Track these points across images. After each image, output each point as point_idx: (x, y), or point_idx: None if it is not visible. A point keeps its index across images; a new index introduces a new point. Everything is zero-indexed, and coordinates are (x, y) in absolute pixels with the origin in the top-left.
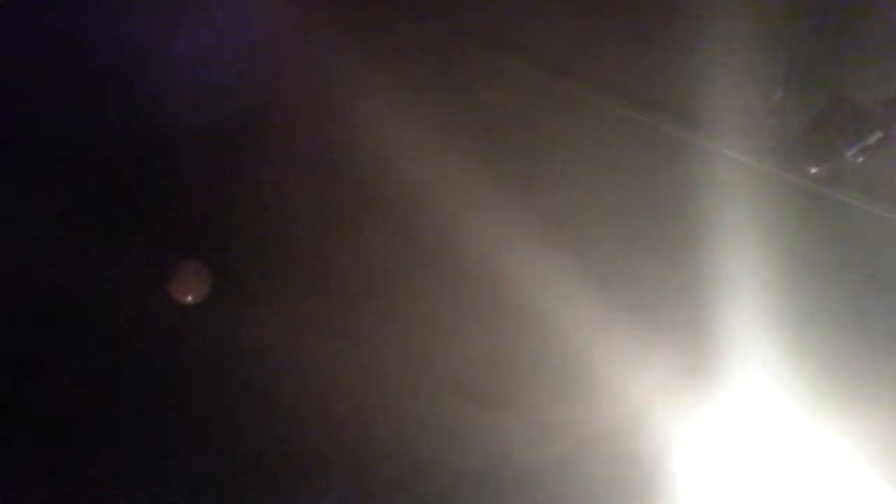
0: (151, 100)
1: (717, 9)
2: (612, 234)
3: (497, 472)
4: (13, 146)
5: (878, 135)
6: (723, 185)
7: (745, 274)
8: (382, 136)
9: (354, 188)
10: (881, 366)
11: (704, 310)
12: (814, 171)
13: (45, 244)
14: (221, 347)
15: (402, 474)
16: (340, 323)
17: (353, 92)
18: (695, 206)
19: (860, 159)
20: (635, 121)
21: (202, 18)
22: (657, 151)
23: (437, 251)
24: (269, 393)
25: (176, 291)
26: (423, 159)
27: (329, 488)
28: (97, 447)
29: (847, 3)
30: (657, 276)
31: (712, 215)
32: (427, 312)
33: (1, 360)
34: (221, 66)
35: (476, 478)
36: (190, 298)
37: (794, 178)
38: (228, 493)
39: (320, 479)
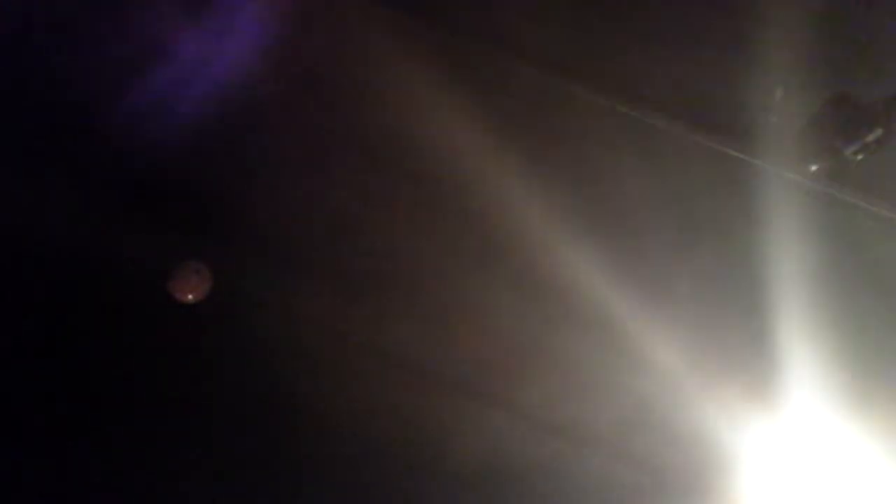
0: (154, 99)
1: (716, 9)
2: (611, 233)
3: (495, 471)
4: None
5: (877, 133)
6: (723, 184)
7: (744, 272)
8: (386, 134)
9: (358, 187)
10: (881, 366)
11: (703, 308)
12: (814, 169)
13: (44, 244)
14: (222, 347)
15: (400, 473)
16: (341, 322)
17: (357, 91)
18: (694, 204)
19: (860, 157)
20: (636, 120)
21: (209, 17)
22: (658, 151)
23: (439, 251)
24: (268, 392)
25: (176, 291)
26: (433, 159)
27: (326, 488)
28: (96, 447)
29: (847, 3)
30: (656, 275)
31: (712, 213)
32: (426, 314)
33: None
34: (224, 65)
35: (474, 477)
36: (190, 298)
37: (794, 177)
38: (226, 492)
39: (318, 479)
